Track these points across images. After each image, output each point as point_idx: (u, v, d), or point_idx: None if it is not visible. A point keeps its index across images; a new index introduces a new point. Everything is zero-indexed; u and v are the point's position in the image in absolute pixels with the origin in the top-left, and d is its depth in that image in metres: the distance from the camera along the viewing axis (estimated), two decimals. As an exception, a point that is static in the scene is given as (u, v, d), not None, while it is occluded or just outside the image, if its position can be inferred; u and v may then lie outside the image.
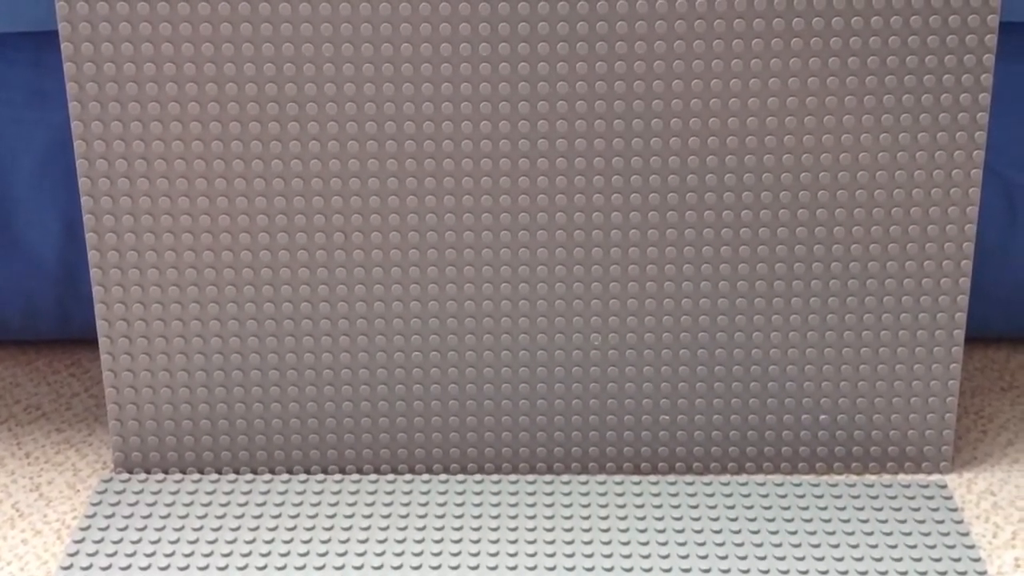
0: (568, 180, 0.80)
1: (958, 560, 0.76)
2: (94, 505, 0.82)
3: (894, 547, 0.78)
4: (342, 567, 0.76)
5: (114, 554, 0.77)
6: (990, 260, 0.92)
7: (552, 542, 0.78)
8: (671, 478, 0.85)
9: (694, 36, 0.77)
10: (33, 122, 0.89)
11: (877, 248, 0.82)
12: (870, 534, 0.79)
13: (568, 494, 0.83)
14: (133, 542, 0.79)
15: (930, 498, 0.83)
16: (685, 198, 0.81)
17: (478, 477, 0.85)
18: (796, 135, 0.79)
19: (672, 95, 0.78)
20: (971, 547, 0.78)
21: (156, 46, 0.77)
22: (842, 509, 0.81)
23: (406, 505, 0.82)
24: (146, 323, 0.83)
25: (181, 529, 0.80)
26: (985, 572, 0.76)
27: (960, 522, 0.80)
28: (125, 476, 0.85)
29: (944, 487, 0.84)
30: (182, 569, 0.76)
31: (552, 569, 0.76)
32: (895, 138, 0.79)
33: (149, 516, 0.81)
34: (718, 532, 0.79)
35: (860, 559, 0.77)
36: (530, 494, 0.83)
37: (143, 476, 0.85)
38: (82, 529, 0.80)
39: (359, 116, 0.79)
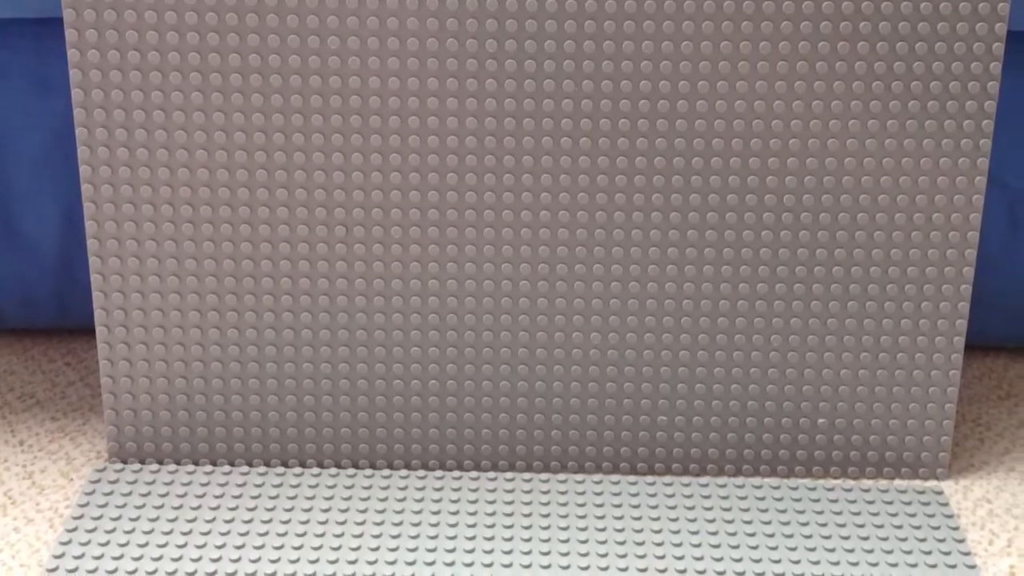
0: (572, 178, 0.80)
1: (953, 567, 0.76)
2: (87, 494, 0.82)
3: (890, 552, 0.78)
4: (336, 561, 0.76)
5: (107, 543, 0.77)
6: (991, 268, 0.92)
7: (547, 540, 0.78)
8: (667, 479, 0.85)
9: (702, 38, 0.77)
10: (34, 110, 0.89)
11: (879, 253, 0.81)
12: (866, 539, 0.79)
13: (564, 492, 0.83)
14: (126, 532, 0.78)
15: (926, 504, 0.83)
16: (688, 199, 0.80)
17: (474, 474, 0.85)
18: (801, 139, 0.79)
19: (679, 95, 0.78)
20: (967, 554, 0.78)
21: (161, 34, 0.77)
22: (838, 514, 0.81)
23: (401, 501, 0.82)
24: (144, 313, 0.82)
25: (175, 520, 0.79)
26: (980, 580, 0.76)
27: (956, 529, 0.80)
28: (119, 466, 0.85)
29: (940, 494, 0.84)
30: (175, 560, 0.76)
31: (546, 568, 0.76)
32: (900, 144, 0.79)
33: (142, 506, 0.81)
34: (714, 535, 0.79)
35: (856, 564, 0.77)
36: (526, 491, 0.83)
37: (137, 466, 0.85)
38: (75, 518, 0.80)
39: (364, 110, 0.79)
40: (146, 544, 0.77)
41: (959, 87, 0.78)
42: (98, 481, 0.83)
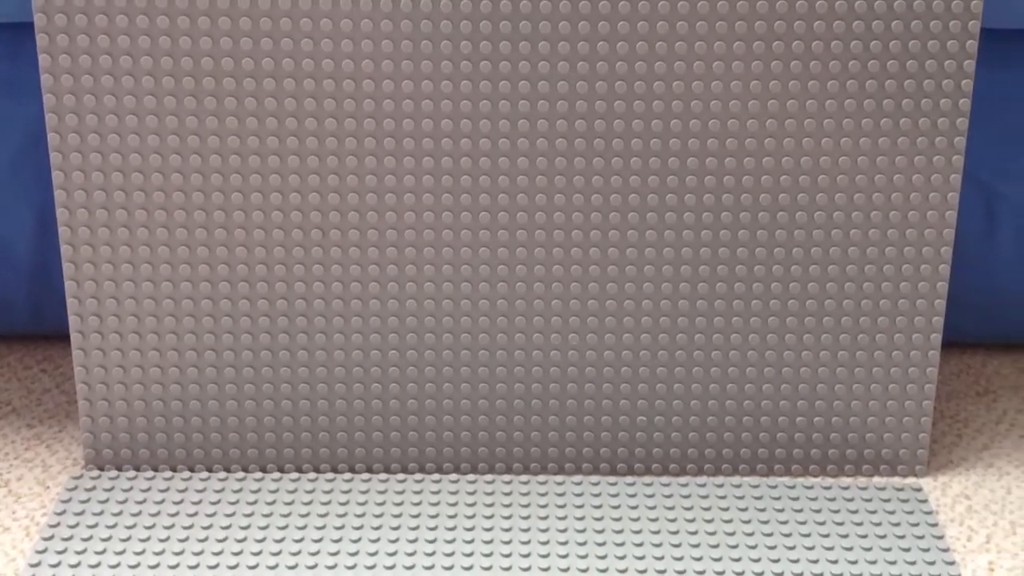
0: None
1: (932, 563, 0.77)
2: (64, 502, 0.81)
3: (869, 550, 0.78)
4: (315, 567, 0.76)
5: (83, 551, 0.77)
6: (967, 266, 0.92)
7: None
8: (647, 479, 0.85)
9: (676, 38, 0.77)
10: (8, 114, 0.88)
11: (856, 251, 0.82)
12: (845, 536, 0.79)
13: (544, 495, 0.83)
14: (103, 539, 0.78)
15: (905, 501, 0.83)
16: (665, 200, 0.80)
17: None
18: (777, 138, 0.79)
19: (653, 96, 0.78)
20: (945, 550, 0.78)
21: (133, 39, 0.77)
22: (817, 511, 0.81)
23: (380, 505, 0.82)
24: (119, 319, 0.82)
25: (152, 527, 0.79)
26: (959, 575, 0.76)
27: (935, 525, 0.80)
28: (95, 473, 0.85)
29: (919, 490, 0.84)
30: (152, 567, 0.75)
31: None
32: (875, 142, 0.80)
33: (119, 513, 0.80)
34: (693, 533, 0.79)
35: (835, 561, 0.77)
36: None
37: (114, 473, 0.84)
38: (51, 526, 0.79)
39: (338, 112, 0.78)
40: (123, 552, 0.77)
41: (934, 85, 0.78)
42: (74, 489, 0.83)
